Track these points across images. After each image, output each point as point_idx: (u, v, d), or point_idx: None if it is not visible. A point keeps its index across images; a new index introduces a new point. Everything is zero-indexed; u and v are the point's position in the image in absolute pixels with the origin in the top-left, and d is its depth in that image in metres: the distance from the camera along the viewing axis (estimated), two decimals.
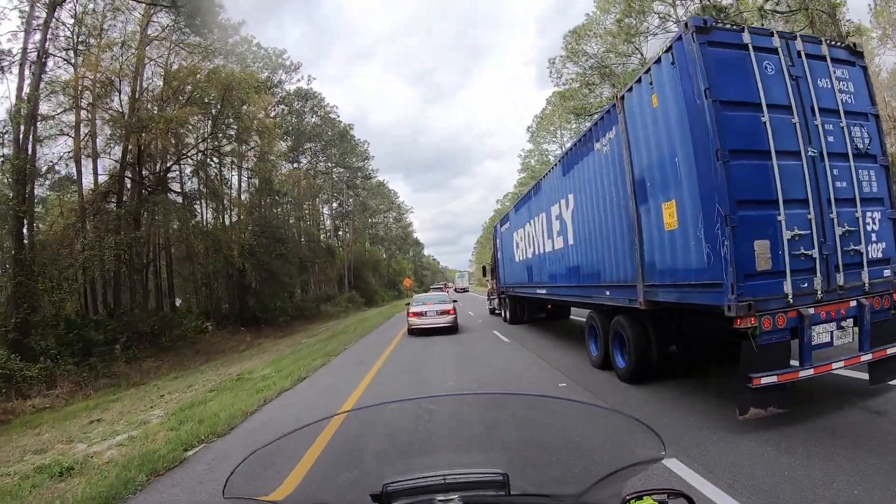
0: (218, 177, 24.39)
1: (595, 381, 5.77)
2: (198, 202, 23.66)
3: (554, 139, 37.36)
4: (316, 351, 11.80)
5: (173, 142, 19.26)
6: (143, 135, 17.28)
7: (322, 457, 1.64)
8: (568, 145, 9.59)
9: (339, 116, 40.59)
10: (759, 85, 3.84)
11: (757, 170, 3.70)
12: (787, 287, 3.62)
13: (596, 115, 6.41)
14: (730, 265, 3.46)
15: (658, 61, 4.35)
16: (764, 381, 3.46)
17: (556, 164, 7.96)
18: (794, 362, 3.69)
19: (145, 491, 3.61)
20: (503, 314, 15.74)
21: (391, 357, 9.36)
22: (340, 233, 46.32)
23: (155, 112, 18.25)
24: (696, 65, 3.77)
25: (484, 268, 21.88)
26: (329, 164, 41.85)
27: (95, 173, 17.85)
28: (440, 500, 0.93)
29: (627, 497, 0.87)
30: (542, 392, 4.54)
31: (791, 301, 3.62)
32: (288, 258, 26.34)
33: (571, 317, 14.21)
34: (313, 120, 37.31)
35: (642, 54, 22.30)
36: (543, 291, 9.44)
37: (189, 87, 19.22)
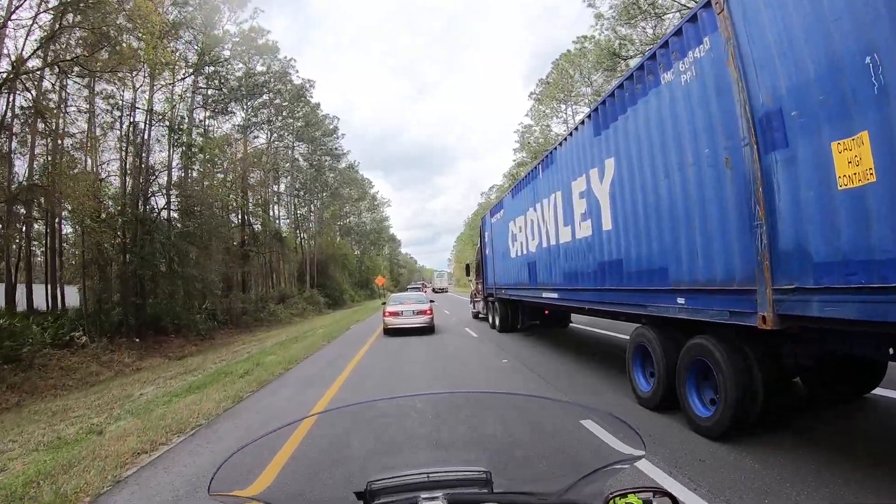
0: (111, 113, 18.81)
1: (662, 436, 3.96)
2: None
3: (557, 115, 33.00)
4: (87, 457, 4.03)
5: None
6: None
7: (307, 454, 1.73)
8: (582, 113, 7.79)
9: (297, 72, 34.84)
10: None
11: None
12: None
13: (668, 32, 4.61)
14: None
15: None
16: None
17: (581, 122, 6.18)
18: None
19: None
20: (490, 320, 14.08)
21: None
22: (308, 225, 42.74)
23: None
24: None
25: (468, 266, 20.06)
26: (290, 137, 36.56)
27: None
28: (424, 498, 0.91)
29: (611, 495, 0.86)
30: None
31: None
32: (203, 241, 20.58)
33: (572, 325, 12.64)
34: (273, 83, 31.75)
35: None
36: (554, 296, 7.62)
37: None
